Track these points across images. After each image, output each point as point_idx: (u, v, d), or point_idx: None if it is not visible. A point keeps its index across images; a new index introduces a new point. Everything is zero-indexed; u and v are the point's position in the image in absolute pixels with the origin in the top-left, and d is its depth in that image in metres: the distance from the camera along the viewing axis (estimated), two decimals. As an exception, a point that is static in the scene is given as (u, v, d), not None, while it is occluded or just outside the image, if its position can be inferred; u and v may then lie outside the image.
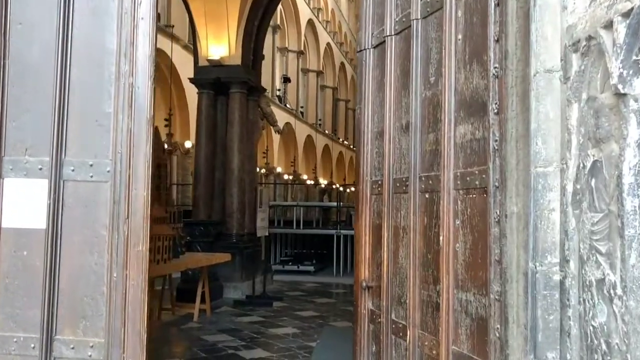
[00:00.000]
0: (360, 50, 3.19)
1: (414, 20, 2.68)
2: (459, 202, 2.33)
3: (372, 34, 3.10)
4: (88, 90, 2.86)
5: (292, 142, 30.75)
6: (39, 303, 2.79)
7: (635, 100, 1.43)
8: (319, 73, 35.35)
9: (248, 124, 11.15)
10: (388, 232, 2.88)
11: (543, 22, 1.79)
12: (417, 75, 2.66)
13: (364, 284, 3.07)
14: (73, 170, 2.83)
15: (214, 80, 10.88)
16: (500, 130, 2.00)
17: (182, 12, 13.48)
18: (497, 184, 2.02)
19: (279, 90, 29.48)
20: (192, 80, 11.49)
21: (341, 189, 25.65)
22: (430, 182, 2.53)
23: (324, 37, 35.79)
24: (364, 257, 3.10)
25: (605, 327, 1.52)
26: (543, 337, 1.74)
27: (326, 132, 37.18)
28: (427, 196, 2.57)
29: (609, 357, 1.49)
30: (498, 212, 2.00)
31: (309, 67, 34.19)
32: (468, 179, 2.26)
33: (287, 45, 31.00)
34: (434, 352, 2.44)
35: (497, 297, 2.00)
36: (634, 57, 1.43)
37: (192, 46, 11.78)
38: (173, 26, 18.49)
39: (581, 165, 1.65)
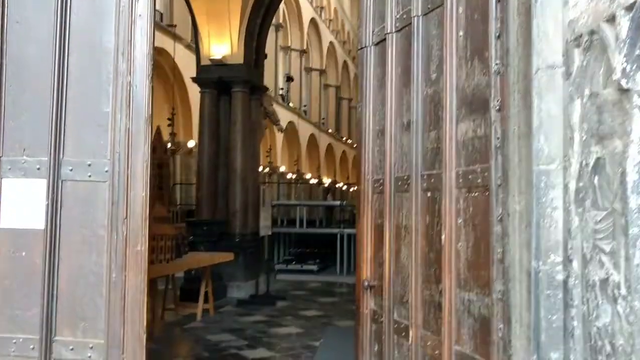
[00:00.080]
0: (361, 48, 3.16)
1: (415, 17, 2.66)
2: (461, 201, 2.30)
3: (372, 31, 3.08)
4: (86, 90, 2.84)
5: (296, 141, 30.75)
6: (38, 304, 2.77)
7: (639, 96, 1.39)
8: (322, 72, 35.36)
9: (251, 123, 11.13)
10: (390, 232, 2.85)
11: (544, 18, 1.76)
12: (418, 73, 2.64)
13: (366, 283, 3.05)
14: (71, 170, 2.82)
15: (217, 80, 10.87)
16: (502, 128, 1.97)
17: (185, 12, 13.47)
18: (499, 182, 1.99)
19: (281, 89, 29.48)
20: (194, 80, 11.49)
21: (344, 187, 25.61)
22: (432, 180, 2.50)
23: (327, 36, 35.80)
24: (366, 256, 3.08)
25: (609, 327, 1.49)
26: (546, 338, 1.71)
27: (329, 131, 37.16)
28: (428, 195, 2.54)
29: (613, 359, 1.46)
30: (500, 211, 1.97)
31: (311, 65, 34.20)
32: (470, 177, 2.23)
33: (289, 44, 31.00)
34: (437, 352, 2.42)
35: (500, 296, 1.97)
36: (638, 52, 1.40)
37: (195, 45, 11.77)
38: (175, 26, 18.51)
39: (584, 162, 1.61)
